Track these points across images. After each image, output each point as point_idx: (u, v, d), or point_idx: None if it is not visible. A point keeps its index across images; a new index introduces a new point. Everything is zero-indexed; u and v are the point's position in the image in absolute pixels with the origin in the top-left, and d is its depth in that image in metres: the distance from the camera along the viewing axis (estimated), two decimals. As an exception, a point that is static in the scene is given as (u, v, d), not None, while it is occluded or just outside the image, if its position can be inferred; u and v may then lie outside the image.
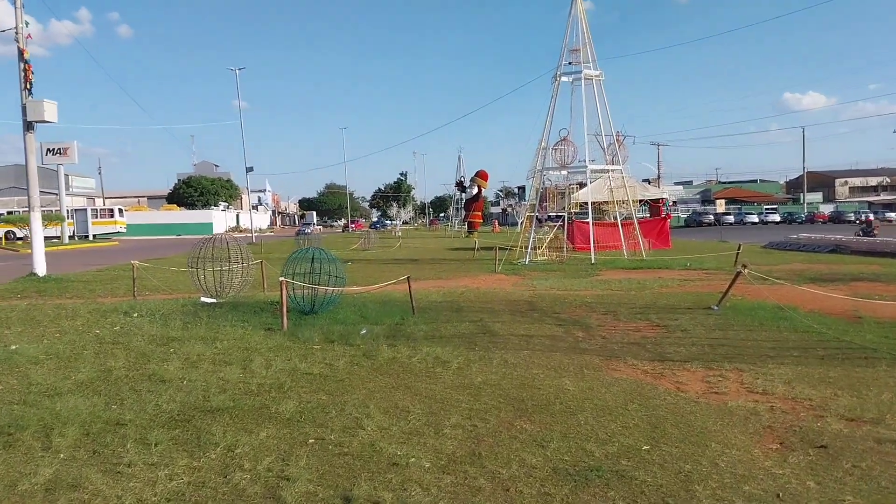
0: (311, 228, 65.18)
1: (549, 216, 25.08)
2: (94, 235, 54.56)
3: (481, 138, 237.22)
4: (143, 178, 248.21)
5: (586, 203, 22.81)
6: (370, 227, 78.67)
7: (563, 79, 22.46)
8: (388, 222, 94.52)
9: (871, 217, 45.19)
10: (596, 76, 22.14)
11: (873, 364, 7.06)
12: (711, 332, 9.09)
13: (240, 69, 40.28)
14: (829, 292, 12.30)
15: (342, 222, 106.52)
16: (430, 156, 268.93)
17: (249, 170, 41.45)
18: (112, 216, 61.04)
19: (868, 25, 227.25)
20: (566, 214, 23.56)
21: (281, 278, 9.78)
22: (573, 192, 23.57)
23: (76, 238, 50.59)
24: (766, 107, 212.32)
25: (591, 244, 21.09)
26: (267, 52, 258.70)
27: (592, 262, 20.68)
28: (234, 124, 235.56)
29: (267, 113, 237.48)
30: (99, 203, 70.63)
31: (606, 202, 24.66)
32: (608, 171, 22.49)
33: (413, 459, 4.30)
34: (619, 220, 23.27)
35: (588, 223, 23.12)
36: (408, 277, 10.83)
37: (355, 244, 35.84)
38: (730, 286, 11.13)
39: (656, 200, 30.80)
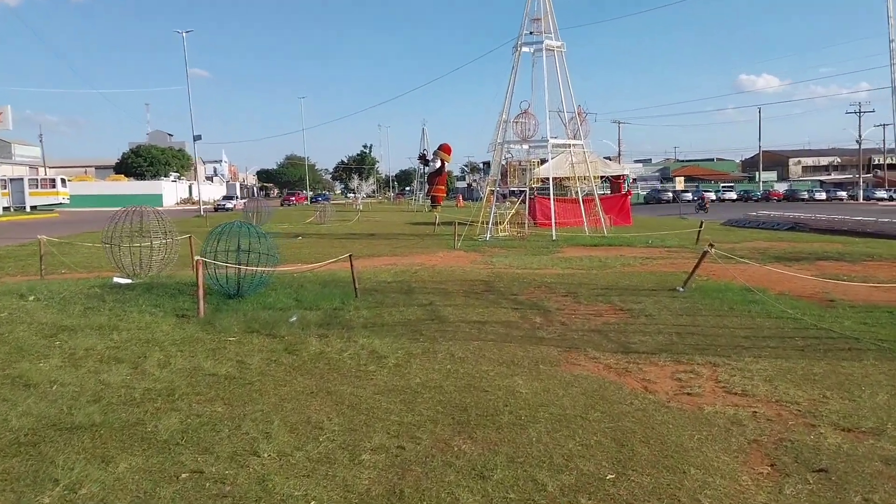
0: (235, 203, 58.90)
1: (511, 191, 24.15)
2: (32, 207, 51.57)
3: (447, 112, 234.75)
4: (98, 147, 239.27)
5: (548, 178, 21.96)
6: (312, 201, 70.46)
7: (524, 49, 21.38)
8: (351, 194, 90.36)
9: (705, 194, 46.95)
10: (557, 47, 21.12)
11: (858, 357, 6.33)
12: (678, 317, 8.29)
13: (187, 32, 37.90)
14: (796, 272, 11.71)
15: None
16: (396, 129, 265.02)
17: (197, 138, 39.36)
18: (54, 186, 57.85)
19: (821, 11, 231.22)
20: (528, 190, 22.66)
21: (197, 258, 8.58)
22: (535, 168, 22.66)
23: (12, 209, 47.69)
24: (722, 87, 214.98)
25: (553, 220, 20.27)
26: (232, 20, 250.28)
27: (553, 238, 19.88)
28: (194, 93, 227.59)
29: (230, 83, 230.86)
30: (42, 172, 66.87)
31: (568, 178, 23.84)
32: (570, 145, 21.61)
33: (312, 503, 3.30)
34: (580, 196, 22.48)
35: (549, 199, 22.25)
36: (349, 256, 9.73)
37: (310, 217, 34.39)
38: (696, 266, 10.38)
39: (617, 177, 30.20)
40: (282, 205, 53.79)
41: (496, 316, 8.47)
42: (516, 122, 20.99)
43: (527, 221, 21.62)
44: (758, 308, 8.61)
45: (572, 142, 21.34)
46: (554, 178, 23.00)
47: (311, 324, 7.88)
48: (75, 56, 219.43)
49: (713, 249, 10.11)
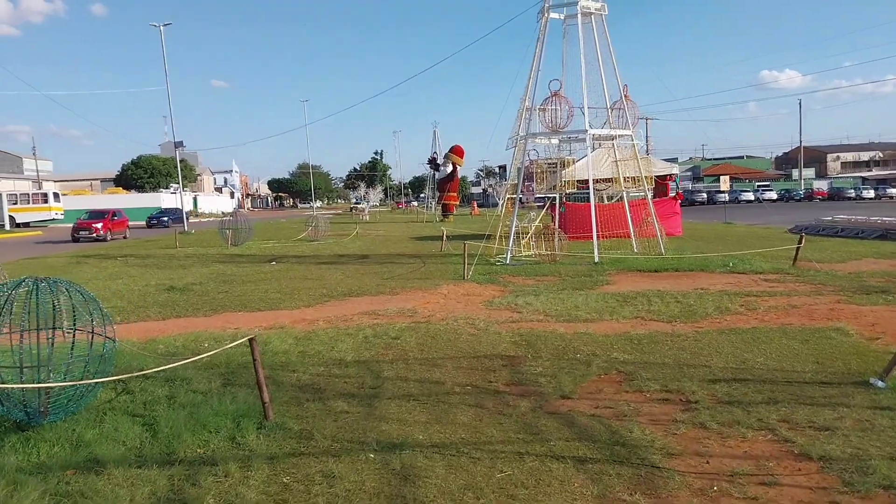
0: None
1: (536, 198, 19.46)
2: (17, 224, 47.91)
3: (459, 112, 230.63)
4: (114, 160, 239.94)
5: (586, 181, 17.20)
6: (150, 224, 45.26)
7: (553, 15, 16.67)
8: (363, 203, 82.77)
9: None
10: (597, 10, 16.40)
11: None
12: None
13: (165, 25, 33.74)
14: None
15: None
16: (409, 134, 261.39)
17: (178, 144, 35.14)
18: (46, 201, 54.29)
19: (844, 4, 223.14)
20: (559, 195, 17.95)
21: None
22: (570, 166, 17.94)
23: (-10, 227, 43.99)
24: (744, 84, 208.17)
25: (595, 236, 15.50)
26: (249, 28, 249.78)
27: (596, 260, 15.11)
28: (213, 106, 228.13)
29: (247, 93, 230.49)
30: (34, 186, 63.46)
31: (609, 179, 19.03)
32: (614, 136, 16.82)
33: None
34: (626, 201, 17.70)
35: (586, 205, 17.55)
36: (251, 340, 5.04)
37: (303, 233, 29.89)
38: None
39: (663, 177, 25.30)
40: (73, 237, 30.20)
41: (542, 493, 3.76)
42: (543, 110, 16.27)
43: (558, 236, 16.86)
44: None
45: (619, 132, 16.55)
46: (595, 181, 18.28)
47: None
48: (94, 68, 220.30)
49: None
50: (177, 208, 49.99)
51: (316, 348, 7.28)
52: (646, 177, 17.47)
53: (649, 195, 17.26)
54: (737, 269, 13.49)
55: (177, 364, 5.20)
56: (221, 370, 6.29)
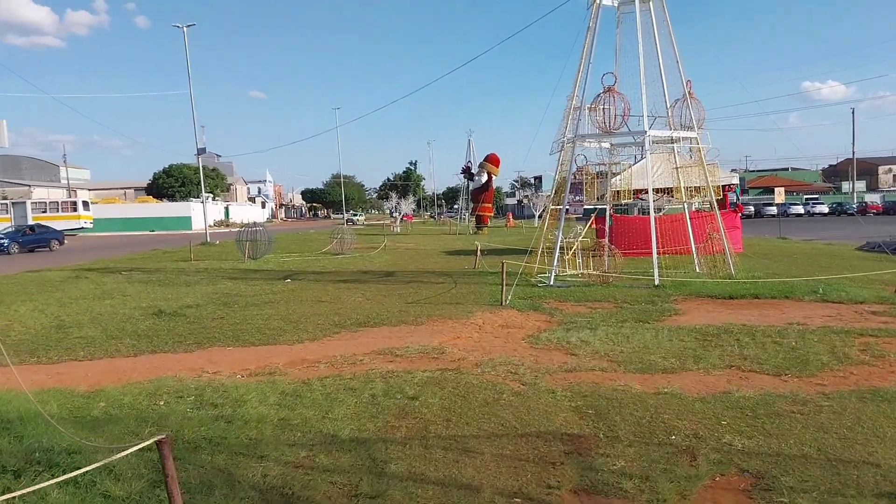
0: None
1: (585, 209, 17.35)
2: (43, 233, 47.61)
3: (495, 124, 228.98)
4: (152, 170, 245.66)
5: (643, 191, 15.09)
6: (10, 241, 29.54)
7: (605, 2, 14.67)
8: (397, 214, 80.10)
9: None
10: (655, -4, 14.33)
11: None
12: None
13: (188, 26, 32.57)
14: None
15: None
16: (445, 145, 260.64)
17: (201, 151, 33.97)
18: (75, 210, 53.92)
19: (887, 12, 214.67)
20: (608, 206, 15.83)
21: None
22: (626, 172, 15.85)
23: (16, 236, 43.48)
24: (784, 94, 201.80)
25: (654, 254, 13.32)
26: (285, 38, 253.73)
27: (656, 283, 12.94)
28: (252, 117, 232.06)
29: (285, 106, 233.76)
30: (64, 195, 63.56)
31: (669, 189, 16.79)
32: (677, 139, 14.64)
33: None
34: (687, 213, 15.51)
35: (636, 218, 15.42)
36: (160, 444, 3.10)
37: (328, 245, 28.23)
38: None
39: (722, 187, 22.86)
40: None
41: None
42: (593, 110, 14.20)
43: (608, 253, 14.72)
44: None
45: (683, 134, 14.37)
46: (642, 191, 16.13)
47: None
48: (136, 79, 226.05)
49: None
50: (40, 224, 34.61)
51: (304, 413, 5.36)
52: (712, 187, 15.28)
53: (716, 207, 15.00)
54: (829, 297, 11.20)
55: (65, 478, 3.30)
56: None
